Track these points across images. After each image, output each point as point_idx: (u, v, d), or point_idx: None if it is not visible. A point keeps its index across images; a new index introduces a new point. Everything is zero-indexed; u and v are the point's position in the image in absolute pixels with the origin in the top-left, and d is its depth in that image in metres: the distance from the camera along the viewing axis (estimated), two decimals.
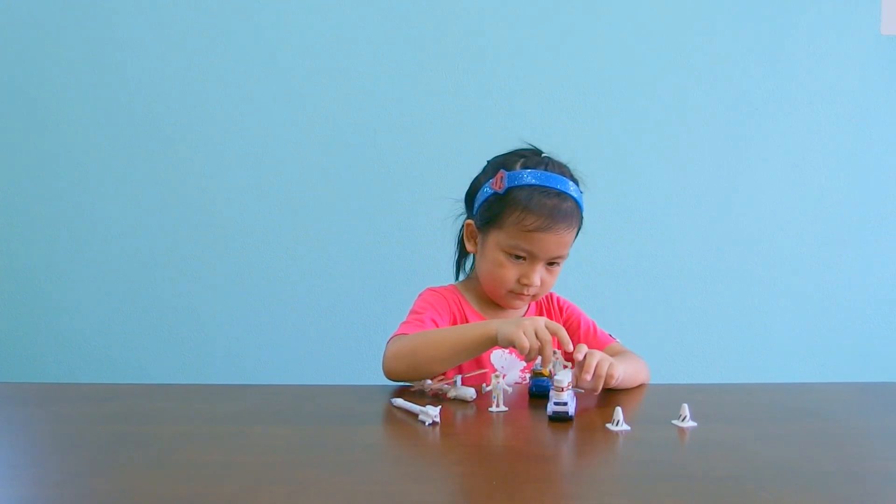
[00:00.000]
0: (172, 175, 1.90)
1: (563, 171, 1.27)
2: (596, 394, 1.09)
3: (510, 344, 1.04)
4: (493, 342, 1.08)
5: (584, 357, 1.06)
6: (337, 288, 1.92)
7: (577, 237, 1.29)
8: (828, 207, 1.95)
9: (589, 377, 1.04)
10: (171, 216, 1.91)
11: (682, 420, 0.97)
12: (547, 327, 1.04)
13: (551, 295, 1.39)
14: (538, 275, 1.24)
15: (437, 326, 1.25)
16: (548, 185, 1.22)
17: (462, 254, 1.40)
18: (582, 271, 1.90)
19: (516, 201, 1.22)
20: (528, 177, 1.23)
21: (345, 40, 1.88)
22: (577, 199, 1.25)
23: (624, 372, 1.11)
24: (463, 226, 1.35)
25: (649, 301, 1.95)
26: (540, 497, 0.77)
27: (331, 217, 1.91)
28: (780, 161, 1.94)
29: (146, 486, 0.77)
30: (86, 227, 1.91)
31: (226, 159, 1.90)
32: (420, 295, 1.32)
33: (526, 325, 1.04)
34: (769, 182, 1.94)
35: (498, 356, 1.26)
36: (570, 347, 1.05)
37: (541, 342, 1.03)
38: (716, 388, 1.22)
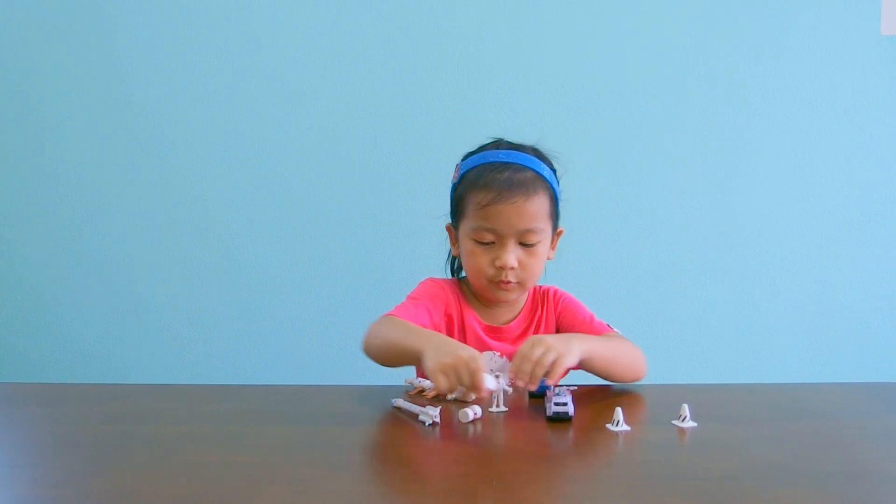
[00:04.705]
0: (172, 175, 1.90)
1: (522, 149, 1.25)
2: (533, 385, 1.00)
3: (430, 377, 0.99)
4: (418, 362, 1.04)
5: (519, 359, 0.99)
6: (337, 288, 1.92)
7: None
8: (828, 207, 1.95)
9: (514, 377, 0.99)
10: (171, 217, 1.91)
11: (682, 420, 0.97)
12: (469, 366, 0.95)
13: (548, 289, 1.34)
14: (511, 254, 1.19)
15: (430, 316, 1.23)
16: (496, 160, 1.22)
17: (455, 261, 1.37)
18: (582, 271, 1.90)
19: (469, 183, 1.22)
20: (478, 159, 1.24)
21: (344, 42, 1.88)
22: (537, 169, 1.22)
23: (590, 352, 1.06)
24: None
25: (649, 301, 1.95)
26: (540, 497, 0.77)
27: (331, 217, 1.91)
28: (780, 161, 1.94)
29: (146, 486, 0.77)
30: (86, 228, 1.91)
31: (225, 160, 1.90)
32: (421, 283, 1.31)
33: (447, 363, 0.96)
34: (769, 182, 1.94)
35: (488, 358, 1.25)
36: (482, 392, 0.96)
37: (461, 382, 0.96)
38: (716, 388, 1.22)
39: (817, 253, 1.96)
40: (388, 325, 1.15)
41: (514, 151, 1.24)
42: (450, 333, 1.27)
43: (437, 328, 1.24)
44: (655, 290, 1.95)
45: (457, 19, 1.88)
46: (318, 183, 1.91)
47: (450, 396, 1.09)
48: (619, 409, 0.96)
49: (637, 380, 1.18)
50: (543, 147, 1.30)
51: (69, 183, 1.90)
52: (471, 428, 0.97)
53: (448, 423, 0.98)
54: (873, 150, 1.94)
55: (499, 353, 1.24)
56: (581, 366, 1.08)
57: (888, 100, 1.93)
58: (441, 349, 1.00)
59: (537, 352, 0.99)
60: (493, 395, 1.04)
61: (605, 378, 1.15)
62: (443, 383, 0.96)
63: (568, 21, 1.89)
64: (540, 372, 0.98)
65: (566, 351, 1.01)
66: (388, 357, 1.13)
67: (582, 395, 1.09)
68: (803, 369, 1.97)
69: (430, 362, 0.99)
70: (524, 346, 1.01)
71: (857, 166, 1.94)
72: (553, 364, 0.99)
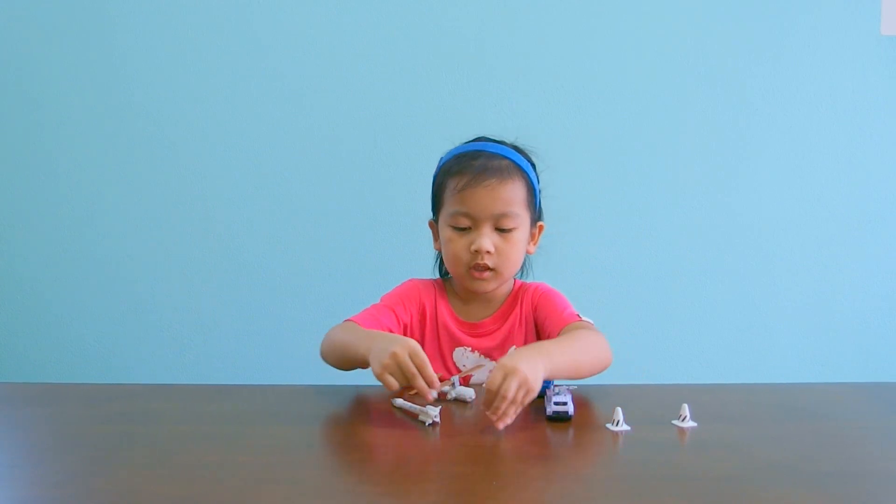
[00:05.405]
0: (172, 176, 1.90)
1: (500, 142, 1.28)
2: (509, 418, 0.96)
3: (379, 380, 1.01)
4: (367, 365, 1.05)
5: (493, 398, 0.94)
6: (337, 288, 1.92)
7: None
8: (828, 207, 1.95)
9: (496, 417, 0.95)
10: (171, 217, 1.91)
11: (682, 420, 0.98)
12: (413, 359, 0.98)
13: (531, 285, 1.31)
14: (486, 238, 1.19)
15: (396, 317, 1.25)
16: (472, 149, 1.25)
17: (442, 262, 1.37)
18: (582, 271, 1.90)
19: (444, 172, 1.26)
20: (455, 151, 1.28)
21: (344, 42, 1.87)
22: (512, 157, 1.24)
23: (552, 369, 1.00)
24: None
25: (649, 301, 1.95)
26: (540, 497, 0.77)
27: (331, 217, 1.91)
28: (780, 161, 1.94)
29: (146, 486, 0.77)
30: (86, 228, 1.91)
31: (225, 160, 1.90)
32: (401, 284, 1.33)
33: (387, 363, 0.99)
34: (769, 182, 1.94)
35: (460, 354, 1.26)
36: (436, 384, 1.00)
37: (408, 377, 0.98)
38: (716, 388, 1.22)
39: (817, 253, 1.96)
40: (340, 330, 1.18)
41: (490, 143, 1.27)
42: (422, 329, 1.29)
43: (404, 327, 1.27)
44: (655, 290, 1.95)
45: (457, 19, 1.88)
46: (318, 183, 1.91)
47: (450, 396, 1.09)
48: (619, 409, 0.97)
49: (603, 369, 1.14)
50: (523, 143, 1.31)
51: (69, 183, 1.90)
52: (471, 428, 0.97)
53: (448, 423, 0.98)
54: (873, 150, 1.94)
55: (470, 349, 1.25)
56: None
57: (888, 100, 1.93)
58: (380, 351, 1.01)
59: (512, 389, 0.92)
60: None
61: (573, 379, 1.12)
62: (391, 384, 0.99)
63: (568, 21, 1.89)
64: (513, 411, 0.94)
65: (535, 382, 0.96)
66: (342, 362, 1.16)
67: (582, 394, 1.09)
68: (803, 369, 1.97)
69: (374, 367, 1.01)
70: (496, 376, 0.94)
71: (857, 166, 1.94)
72: (523, 400, 0.95)
